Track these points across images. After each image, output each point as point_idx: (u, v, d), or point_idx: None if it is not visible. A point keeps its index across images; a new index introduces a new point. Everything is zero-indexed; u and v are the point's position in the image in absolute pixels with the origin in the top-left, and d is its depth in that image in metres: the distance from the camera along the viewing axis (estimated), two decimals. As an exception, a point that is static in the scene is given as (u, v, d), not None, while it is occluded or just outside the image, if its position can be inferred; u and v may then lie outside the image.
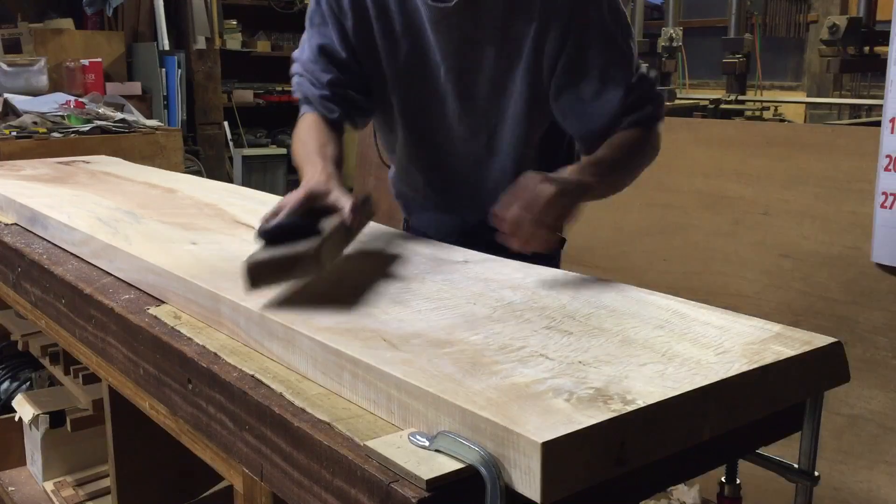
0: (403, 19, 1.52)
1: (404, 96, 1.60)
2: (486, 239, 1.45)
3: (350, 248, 1.45)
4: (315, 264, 1.13)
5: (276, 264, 1.11)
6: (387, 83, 1.59)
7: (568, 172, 1.36)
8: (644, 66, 1.54)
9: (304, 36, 1.60)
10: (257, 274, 1.10)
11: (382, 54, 1.56)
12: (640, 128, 1.50)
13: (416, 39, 1.53)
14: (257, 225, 1.20)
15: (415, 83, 1.58)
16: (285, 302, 1.14)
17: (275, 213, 1.23)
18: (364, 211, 1.35)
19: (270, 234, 1.17)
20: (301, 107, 1.59)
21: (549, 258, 1.62)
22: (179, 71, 4.89)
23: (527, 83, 1.51)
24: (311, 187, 1.27)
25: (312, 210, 1.26)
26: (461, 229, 1.69)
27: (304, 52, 1.59)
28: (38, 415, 2.13)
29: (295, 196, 1.24)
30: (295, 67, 1.60)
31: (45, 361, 2.00)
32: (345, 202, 1.27)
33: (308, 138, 1.49)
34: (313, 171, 1.36)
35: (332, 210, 1.27)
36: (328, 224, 1.22)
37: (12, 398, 2.33)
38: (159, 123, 4.04)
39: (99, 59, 4.41)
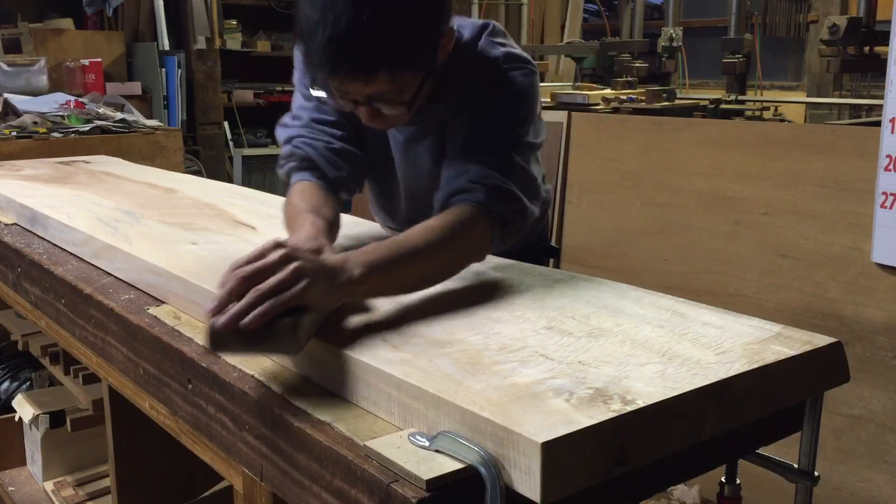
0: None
1: (372, 174, 1.57)
2: None
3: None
4: (294, 343, 0.98)
5: (246, 335, 0.94)
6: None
7: (341, 257, 1.08)
8: (533, 173, 1.35)
9: (296, 100, 1.50)
10: (220, 339, 0.95)
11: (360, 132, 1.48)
12: (466, 211, 1.24)
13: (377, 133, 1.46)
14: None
15: (378, 165, 1.54)
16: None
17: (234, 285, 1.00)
18: None
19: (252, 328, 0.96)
20: (292, 176, 1.42)
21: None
22: (179, 71, 4.89)
23: (435, 159, 1.43)
24: (296, 244, 1.06)
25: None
26: None
27: (300, 116, 1.46)
28: (38, 415, 2.12)
29: (276, 254, 1.00)
30: (290, 131, 1.46)
31: (45, 361, 2.00)
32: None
33: (300, 202, 1.33)
34: (301, 228, 1.21)
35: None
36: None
37: (12, 398, 2.32)
38: (159, 123, 4.04)
39: (99, 59, 4.41)
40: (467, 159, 1.29)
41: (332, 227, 1.30)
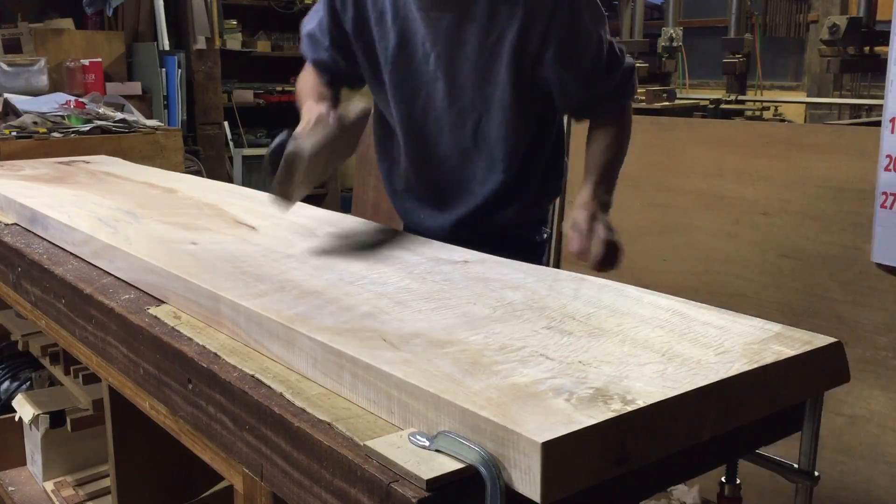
0: (394, 8, 1.63)
1: (396, 85, 1.69)
2: (476, 234, 1.67)
3: (350, 248, 1.45)
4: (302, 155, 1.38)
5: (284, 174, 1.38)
6: (382, 72, 1.70)
7: (591, 202, 1.71)
8: (616, 45, 1.70)
9: (312, 11, 1.79)
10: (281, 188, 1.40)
11: (377, 44, 1.67)
12: (617, 116, 1.73)
13: (405, 29, 1.63)
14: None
15: (405, 71, 1.67)
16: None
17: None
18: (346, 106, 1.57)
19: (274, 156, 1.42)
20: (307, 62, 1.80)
21: (536, 254, 1.84)
22: (179, 71, 4.89)
23: (510, 76, 1.61)
24: (308, 117, 1.49)
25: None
26: (451, 225, 1.75)
27: (306, 24, 1.78)
28: (38, 415, 2.12)
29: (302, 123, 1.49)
30: (303, 33, 1.80)
31: (45, 361, 2.00)
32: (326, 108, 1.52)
33: (303, 84, 1.74)
34: (310, 103, 1.58)
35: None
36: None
37: (12, 398, 2.32)
38: (159, 123, 4.04)
39: (99, 59, 4.41)
40: (603, 76, 1.67)
41: (336, 100, 1.68)
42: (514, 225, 1.78)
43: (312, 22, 1.76)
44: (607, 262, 1.64)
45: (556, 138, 1.82)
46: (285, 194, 1.42)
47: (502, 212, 1.75)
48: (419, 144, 1.73)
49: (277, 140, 1.43)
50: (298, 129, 1.47)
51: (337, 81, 1.77)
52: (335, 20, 1.70)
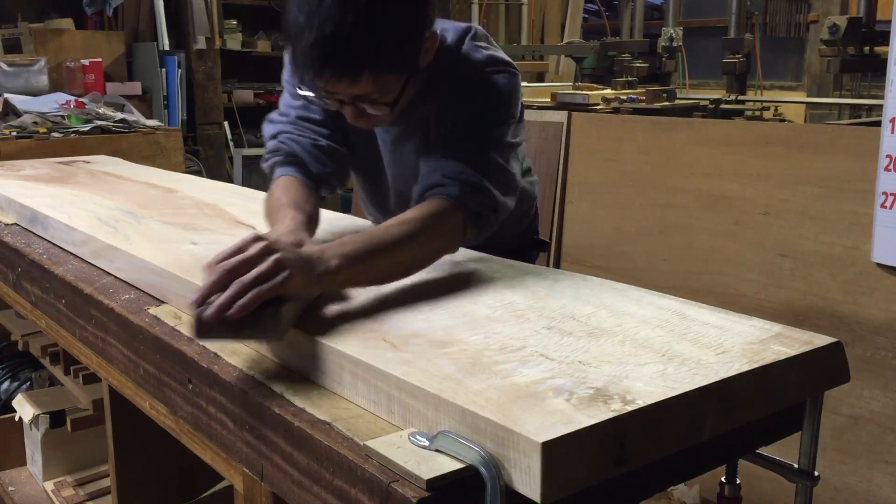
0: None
1: (358, 168, 1.64)
2: None
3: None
4: (277, 330, 1.02)
5: (231, 324, 0.98)
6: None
7: (318, 248, 1.13)
8: (503, 167, 1.36)
9: (284, 98, 1.57)
10: (206, 327, 0.98)
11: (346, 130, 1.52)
12: (439, 204, 1.27)
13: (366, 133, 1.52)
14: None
15: (365, 164, 1.61)
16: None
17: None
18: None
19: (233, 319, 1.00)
20: (276, 170, 1.46)
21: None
22: (179, 71, 4.89)
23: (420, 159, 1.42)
24: (277, 237, 1.11)
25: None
26: None
27: (287, 113, 1.53)
28: (38, 415, 2.13)
29: (257, 247, 1.04)
30: (277, 126, 1.52)
31: (45, 361, 2.00)
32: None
33: (282, 196, 1.37)
34: (282, 221, 1.26)
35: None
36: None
37: (12, 398, 2.32)
38: (159, 123, 4.04)
39: (99, 59, 4.41)
40: (445, 155, 1.33)
41: (312, 222, 1.34)
42: (504, 246, 1.59)
43: (288, 100, 1.55)
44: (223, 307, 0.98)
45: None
46: (209, 336, 1.02)
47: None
48: (399, 203, 1.60)
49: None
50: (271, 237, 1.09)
51: (336, 170, 1.49)
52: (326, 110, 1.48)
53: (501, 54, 1.45)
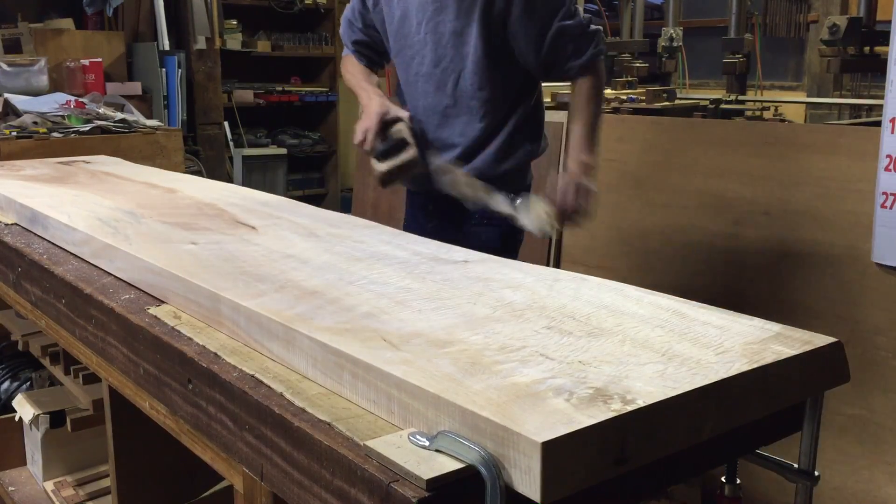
0: None
1: (397, 53, 2.08)
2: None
3: (350, 249, 1.45)
4: (421, 163, 1.91)
5: (397, 169, 1.90)
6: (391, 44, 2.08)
7: (579, 167, 1.93)
8: (580, 14, 1.94)
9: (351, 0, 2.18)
10: (387, 178, 1.90)
11: (386, 21, 2.06)
12: (588, 75, 1.96)
13: (404, 5, 2.00)
14: (365, 148, 1.92)
15: (403, 41, 2.03)
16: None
17: (364, 138, 1.91)
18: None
19: (383, 153, 1.90)
20: (344, 49, 2.24)
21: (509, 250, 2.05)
22: (179, 71, 4.89)
23: (481, 37, 1.91)
24: (377, 109, 1.93)
25: (385, 123, 1.92)
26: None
27: (346, 12, 2.20)
28: (38, 415, 2.13)
29: (369, 122, 1.92)
30: (342, 18, 2.22)
31: (46, 361, 2.00)
32: (403, 112, 1.95)
33: (354, 70, 2.17)
34: (368, 96, 2.00)
35: (396, 119, 1.92)
36: (404, 133, 1.92)
37: (12, 398, 2.32)
38: (159, 123, 4.03)
39: (99, 59, 4.40)
40: (563, 32, 1.91)
41: (379, 86, 2.08)
42: (485, 179, 2.00)
43: (348, 10, 2.18)
44: (582, 217, 1.91)
45: (535, 104, 2.09)
46: (389, 181, 1.92)
47: (478, 159, 2.02)
48: (412, 104, 2.08)
49: (382, 146, 1.91)
50: (369, 123, 1.91)
51: (374, 62, 2.19)
52: (364, 3, 2.12)
53: None
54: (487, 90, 1.96)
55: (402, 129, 1.91)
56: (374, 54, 2.20)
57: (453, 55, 1.96)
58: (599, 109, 1.99)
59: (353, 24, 2.17)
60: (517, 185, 2.11)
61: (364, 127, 1.91)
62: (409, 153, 1.88)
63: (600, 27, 1.98)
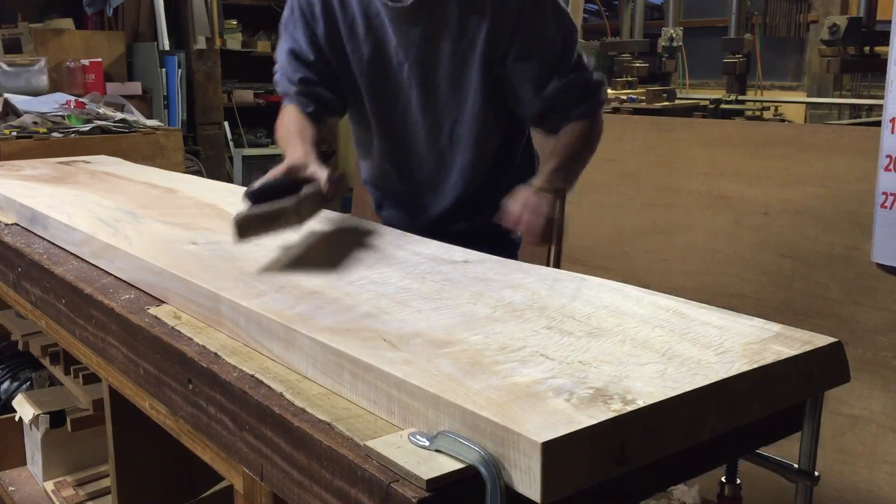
0: (366, 21, 1.68)
1: (373, 94, 1.76)
2: (448, 231, 1.75)
3: (350, 249, 1.45)
4: (295, 218, 1.36)
5: (262, 218, 1.31)
6: (357, 82, 1.75)
7: (542, 182, 1.65)
8: (585, 58, 1.74)
9: (280, 40, 1.80)
10: (245, 226, 1.29)
11: (350, 56, 1.72)
12: (585, 119, 1.72)
13: (378, 40, 1.69)
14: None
15: (381, 81, 1.74)
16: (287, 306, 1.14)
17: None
18: (340, 184, 1.50)
19: (255, 194, 1.35)
20: (283, 101, 1.79)
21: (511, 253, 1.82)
22: (179, 71, 4.89)
23: (482, 77, 1.67)
24: (291, 162, 1.48)
25: (293, 180, 1.44)
26: (425, 223, 1.83)
27: (280, 54, 1.79)
28: (38, 415, 2.12)
29: (277, 169, 1.44)
30: (276, 67, 1.81)
31: (46, 361, 2.00)
32: (321, 173, 1.46)
33: (289, 124, 1.70)
34: (293, 150, 1.56)
35: (310, 180, 1.46)
36: (306, 189, 1.43)
37: (12, 398, 2.32)
38: (159, 123, 4.04)
39: (99, 59, 4.41)
40: (563, 75, 1.68)
41: (317, 145, 1.63)
42: (485, 224, 1.74)
43: (284, 49, 1.77)
44: (545, 237, 1.61)
45: (526, 144, 1.89)
46: (248, 235, 1.32)
47: (472, 214, 1.82)
48: (399, 147, 1.81)
49: (260, 183, 1.38)
50: (276, 170, 1.45)
51: (321, 109, 1.75)
52: (311, 35, 1.73)
53: None
54: (485, 140, 1.75)
55: (309, 192, 1.44)
56: (331, 96, 1.76)
57: (447, 101, 1.71)
58: (585, 151, 1.75)
59: (300, 58, 1.74)
60: None
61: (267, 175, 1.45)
62: (288, 203, 1.37)
63: (604, 78, 1.79)
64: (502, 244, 1.77)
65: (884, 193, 2.24)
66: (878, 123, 2.29)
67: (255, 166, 5.50)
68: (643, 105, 3.51)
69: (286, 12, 1.80)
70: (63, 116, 3.62)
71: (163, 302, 1.31)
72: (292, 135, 1.64)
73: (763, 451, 1.09)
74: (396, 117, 1.77)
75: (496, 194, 1.70)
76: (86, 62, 4.35)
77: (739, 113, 3.65)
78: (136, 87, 4.67)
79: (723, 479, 1.15)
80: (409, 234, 1.63)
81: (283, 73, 1.77)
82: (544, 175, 1.67)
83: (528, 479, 0.75)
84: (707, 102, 3.79)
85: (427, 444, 0.82)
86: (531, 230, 1.59)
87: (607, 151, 3.02)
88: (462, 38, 1.64)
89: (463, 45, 1.65)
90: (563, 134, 1.73)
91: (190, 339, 1.15)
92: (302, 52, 1.74)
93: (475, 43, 1.64)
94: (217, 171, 5.16)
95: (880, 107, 2.33)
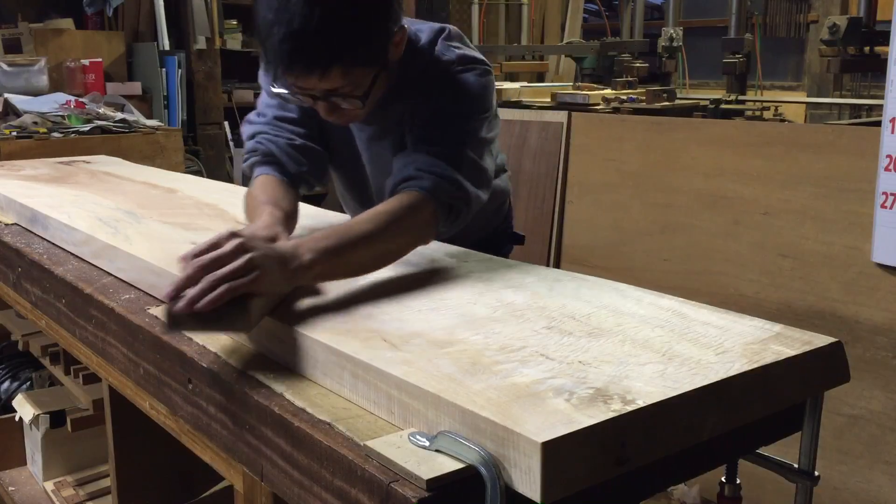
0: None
1: (339, 169, 1.69)
2: None
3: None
4: (245, 323, 1.05)
5: (201, 316, 1.01)
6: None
7: (292, 244, 1.14)
8: (477, 162, 1.40)
9: (262, 98, 1.59)
10: (178, 320, 1.02)
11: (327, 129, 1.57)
12: (411, 197, 1.30)
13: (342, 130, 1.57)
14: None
15: (348, 163, 1.64)
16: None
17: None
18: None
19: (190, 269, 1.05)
20: (255, 170, 1.50)
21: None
22: (180, 71, 4.89)
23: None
24: (252, 233, 1.12)
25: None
26: None
27: (264, 113, 1.55)
28: (38, 415, 2.13)
29: (231, 244, 1.06)
30: (254, 127, 1.55)
31: (46, 361, 2.00)
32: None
33: (260, 194, 1.41)
34: (261, 217, 1.30)
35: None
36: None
37: (12, 398, 2.32)
38: (159, 123, 4.04)
39: (99, 59, 4.41)
40: (417, 149, 1.37)
41: (290, 218, 1.38)
42: (478, 240, 1.67)
43: (266, 101, 1.57)
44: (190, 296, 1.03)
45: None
46: (182, 328, 1.07)
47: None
48: (380, 198, 1.49)
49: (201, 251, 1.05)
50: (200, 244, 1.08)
51: (311, 168, 1.53)
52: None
53: (474, 53, 1.49)
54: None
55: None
56: (312, 157, 1.53)
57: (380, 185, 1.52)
58: (372, 239, 1.22)
59: (283, 104, 1.52)
60: (505, 228, 1.90)
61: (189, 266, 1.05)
62: (239, 309, 1.04)
63: (473, 198, 1.37)
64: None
65: (884, 193, 2.24)
66: (878, 123, 2.29)
67: (255, 166, 5.49)
68: (643, 105, 3.51)
69: (262, 68, 1.47)
70: (63, 116, 3.62)
71: (163, 302, 1.31)
72: (262, 202, 1.36)
73: (763, 451, 1.09)
74: (359, 185, 1.68)
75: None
76: (86, 62, 4.34)
77: (739, 113, 3.64)
78: (136, 87, 4.67)
79: (723, 479, 1.15)
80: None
81: (274, 129, 1.53)
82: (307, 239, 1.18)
83: (528, 479, 0.75)
84: (707, 102, 3.78)
85: (427, 444, 0.82)
86: (203, 248, 1.07)
87: (607, 151, 3.02)
88: (391, 126, 1.50)
89: (390, 130, 1.51)
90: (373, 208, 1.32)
91: (190, 339, 1.15)
92: (293, 116, 1.53)
93: (398, 126, 1.49)
94: (217, 171, 5.16)
95: (880, 107, 2.33)
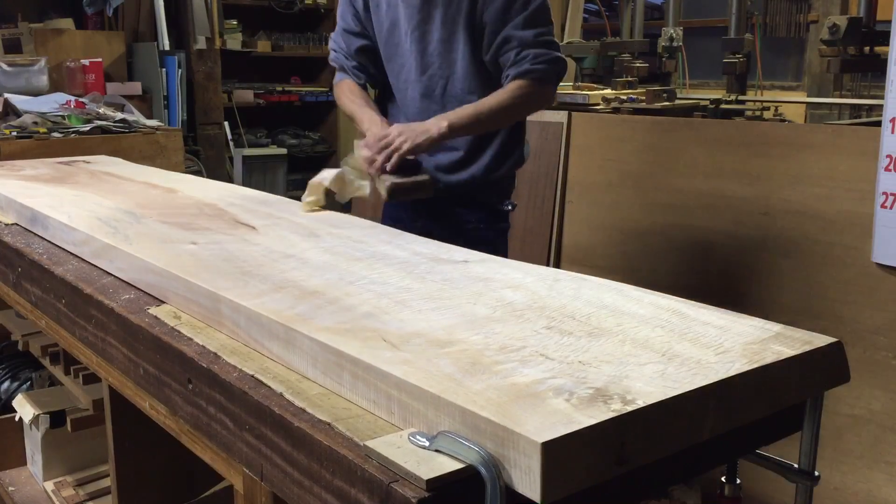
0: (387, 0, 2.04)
1: (387, 62, 2.10)
2: (443, 196, 2.01)
3: (350, 249, 1.46)
4: (432, 186, 1.91)
5: (408, 187, 1.86)
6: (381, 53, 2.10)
7: (434, 119, 1.89)
8: (550, 36, 1.94)
9: (338, 19, 2.15)
10: (395, 192, 1.83)
11: (376, 29, 2.08)
12: (528, 80, 1.91)
13: (393, 15, 2.03)
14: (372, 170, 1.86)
15: (392, 50, 2.06)
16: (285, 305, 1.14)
17: (373, 161, 1.86)
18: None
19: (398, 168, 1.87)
20: (337, 73, 2.18)
21: (499, 220, 2.10)
22: (180, 71, 4.88)
23: (467, 43, 1.95)
24: (382, 121, 1.96)
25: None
26: (435, 177, 2.05)
27: (337, 33, 2.15)
28: (38, 415, 2.12)
29: (372, 132, 1.92)
30: (331, 44, 2.18)
31: (46, 361, 2.00)
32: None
33: (353, 96, 2.10)
34: (371, 120, 1.98)
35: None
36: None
37: (12, 398, 2.33)
38: (159, 123, 4.03)
39: (99, 59, 4.40)
40: (524, 39, 1.89)
41: (376, 109, 2.06)
42: (479, 185, 2.04)
43: (338, 29, 2.13)
44: (383, 155, 1.84)
45: None
46: (396, 194, 1.87)
47: (466, 171, 2.04)
48: (401, 112, 2.10)
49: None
50: (368, 139, 1.89)
51: (372, 77, 2.14)
52: (354, 13, 2.10)
53: None
54: (477, 95, 1.96)
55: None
56: (373, 66, 2.14)
57: (440, 63, 1.99)
58: (501, 114, 1.93)
59: (349, 34, 2.11)
60: (506, 192, 2.14)
61: (371, 152, 1.86)
62: (424, 176, 1.90)
63: (561, 60, 1.95)
64: (491, 212, 2.08)
65: (884, 193, 2.24)
66: (878, 123, 2.29)
67: (255, 166, 5.49)
68: (643, 105, 3.50)
69: None
70: (63, 116, 3.62)
71: (163, 302, 1.31)
72: (361, 105, 2.05)
73: (763, 451, 1.09)
74: (402, 83, 2.07)
75: (487, 152, 2.03)
76: (86, 62, 4.34)
77: (739, 113, 3.64)
78: (136, 87, 4.67)
79: (723, 479, 1.15)
80: (408, 234, 1.63)
81: (341, 49, 2.13)
82: (437, 119, 1.89)
83: (528, 479, 0.75)
84: (707, 102, 3.78)
85: (427, 444, 0.82)
86: (372, 142, 1.85)
87: (607, 151, 3.02)
88: (450, 6, 1.93)
89: (451, 12, 1.93)
90: (497, 91, 1.93)
91: (190, 339, 1.15)
92: (350, 29, 2.11)
93: (461, 11, 1.92)
94: (217, 171, 5.16)
95: (880, 107, 2.33)
